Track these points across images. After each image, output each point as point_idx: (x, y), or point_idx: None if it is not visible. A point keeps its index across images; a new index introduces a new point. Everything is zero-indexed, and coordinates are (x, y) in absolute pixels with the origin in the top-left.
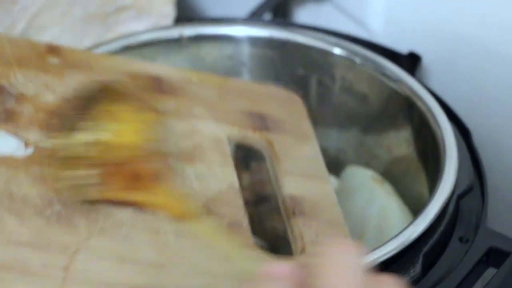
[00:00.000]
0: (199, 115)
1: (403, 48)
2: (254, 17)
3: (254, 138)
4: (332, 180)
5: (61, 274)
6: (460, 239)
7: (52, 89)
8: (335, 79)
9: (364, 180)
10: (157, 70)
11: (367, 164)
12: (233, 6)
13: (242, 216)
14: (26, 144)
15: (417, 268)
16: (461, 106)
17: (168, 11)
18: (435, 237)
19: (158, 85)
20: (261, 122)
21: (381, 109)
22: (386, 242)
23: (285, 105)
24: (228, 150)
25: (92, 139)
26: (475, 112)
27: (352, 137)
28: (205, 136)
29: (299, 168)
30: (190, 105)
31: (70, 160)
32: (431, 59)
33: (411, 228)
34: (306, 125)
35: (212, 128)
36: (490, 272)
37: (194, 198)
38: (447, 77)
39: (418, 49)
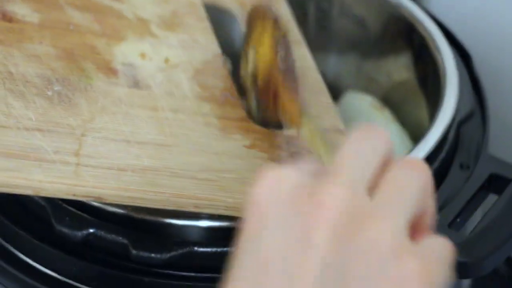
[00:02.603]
0: None
1: None
2: None
3: None
4: None
5: (74, 160)
6: (461, 166)
7: None
8: (333, 3)
9: (364, 107)
10: None
11: (366, 89)
12: None
13: (230, 87)
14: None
15: None
16: (462, 30)
17: None
18: (436, 164)
19: None
20: None
21: (380, 33)
22: None
23: None
24: (204, 15)
25: (253, 66)
26: (476, 37)
27: (350, 62)
28: (179, 0)
29: None
30: None
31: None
32: None
33: (411, 155)
34: None
35: None
36: (492, 198)
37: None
38: (448, 1)
39: None
